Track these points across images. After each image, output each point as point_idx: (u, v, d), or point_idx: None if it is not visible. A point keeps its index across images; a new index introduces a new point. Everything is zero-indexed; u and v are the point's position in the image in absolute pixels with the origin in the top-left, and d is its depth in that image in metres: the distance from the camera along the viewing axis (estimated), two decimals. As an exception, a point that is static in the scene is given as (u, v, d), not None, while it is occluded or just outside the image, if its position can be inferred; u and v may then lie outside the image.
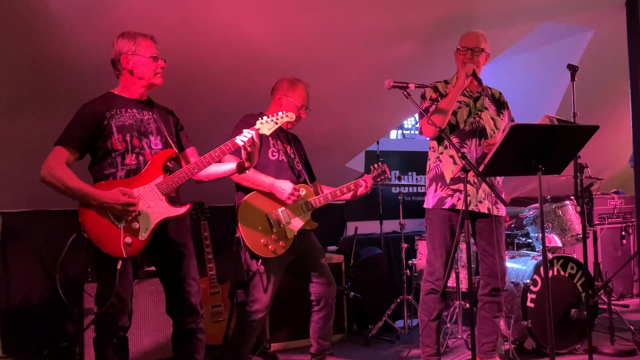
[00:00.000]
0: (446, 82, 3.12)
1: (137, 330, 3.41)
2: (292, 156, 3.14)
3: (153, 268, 2.63)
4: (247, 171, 2.61)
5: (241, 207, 2.92)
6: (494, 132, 3.08)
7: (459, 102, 3.04)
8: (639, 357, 3.40)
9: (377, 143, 5.14)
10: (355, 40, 3.45)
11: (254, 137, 2.45)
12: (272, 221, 2.92)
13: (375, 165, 3.24)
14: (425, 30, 3.46)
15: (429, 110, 2.96)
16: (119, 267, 2.30)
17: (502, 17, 3.66)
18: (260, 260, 2.89)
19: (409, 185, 5.79)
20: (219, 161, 2.52)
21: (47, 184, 2.30)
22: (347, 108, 4.12)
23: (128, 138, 2.41)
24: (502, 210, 3.09)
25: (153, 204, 2.38)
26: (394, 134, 6.41)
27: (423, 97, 3.08)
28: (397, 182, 4.91)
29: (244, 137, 2.44)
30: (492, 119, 3.11)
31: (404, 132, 6.44)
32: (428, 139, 3.14)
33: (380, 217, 4.85)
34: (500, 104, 3.20)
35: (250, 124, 2.53)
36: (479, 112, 3.08)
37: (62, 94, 3.08)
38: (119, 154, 2.39)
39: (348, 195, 3.13)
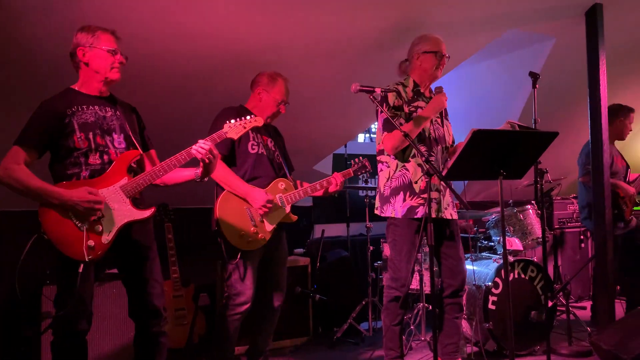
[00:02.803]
0: (403, 84, 3.10)
1: (97, 333, 3.35)
2: (273, 149, 3.13)
3: (115, 270, 2.58)
4: (208, 176, 2.52)
5: (221, 199, 2.91)
6: (449, 139, 3.14)
7: (421, 107, 3.04)
8: (594, 357, 3.49)
9: (345, 146, 5.18)
10: (326, 44, 3.46)
11: (212, 148, 2.40)
12: (251, 214, 2.91)
13: (356, 160, 3.31)
14: (395, 35, 3.49)
15: (392, 123, 2.81)
16: (80, 270, 2.24)
17: (466, 25, 3.72)
18: (240, 253, 2.89)
19: (375, 189, 5.82)
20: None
21: (5, 185, 2.23)
22: (316, 111, 4.13)
23: (91, 136, 2.36)
24: (455, 214, 3.14)
25: (117, 207, 2.33)
26: (361, 138, 6.46)
27: (385, 100, 2.99)
28: (364, 185, 4.94)
29: (199, 149, 2.38)
30: (447, 125, 3.17)
31: (372, 135, 6.49)
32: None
33: (347, 220, 4.88)
34: (445, 111, 3.21)
35: (227, 119, 2.49)
36: (437, 120, 3.11)
37: (28, 89, 2.99)
38: (82, 152, 2.33)
39: (320, 192, 3.14)
